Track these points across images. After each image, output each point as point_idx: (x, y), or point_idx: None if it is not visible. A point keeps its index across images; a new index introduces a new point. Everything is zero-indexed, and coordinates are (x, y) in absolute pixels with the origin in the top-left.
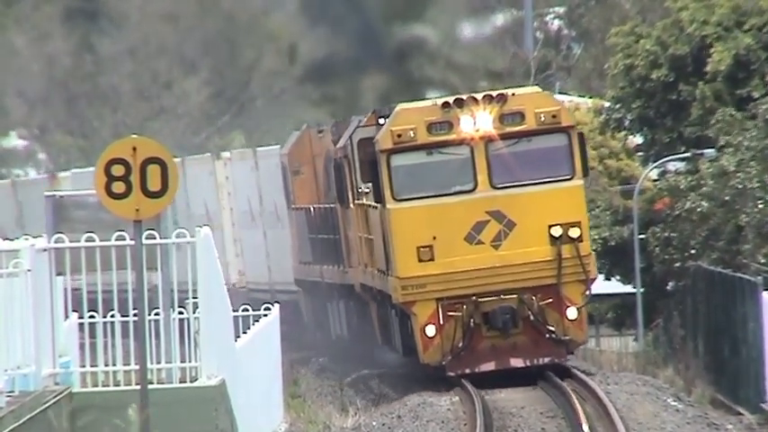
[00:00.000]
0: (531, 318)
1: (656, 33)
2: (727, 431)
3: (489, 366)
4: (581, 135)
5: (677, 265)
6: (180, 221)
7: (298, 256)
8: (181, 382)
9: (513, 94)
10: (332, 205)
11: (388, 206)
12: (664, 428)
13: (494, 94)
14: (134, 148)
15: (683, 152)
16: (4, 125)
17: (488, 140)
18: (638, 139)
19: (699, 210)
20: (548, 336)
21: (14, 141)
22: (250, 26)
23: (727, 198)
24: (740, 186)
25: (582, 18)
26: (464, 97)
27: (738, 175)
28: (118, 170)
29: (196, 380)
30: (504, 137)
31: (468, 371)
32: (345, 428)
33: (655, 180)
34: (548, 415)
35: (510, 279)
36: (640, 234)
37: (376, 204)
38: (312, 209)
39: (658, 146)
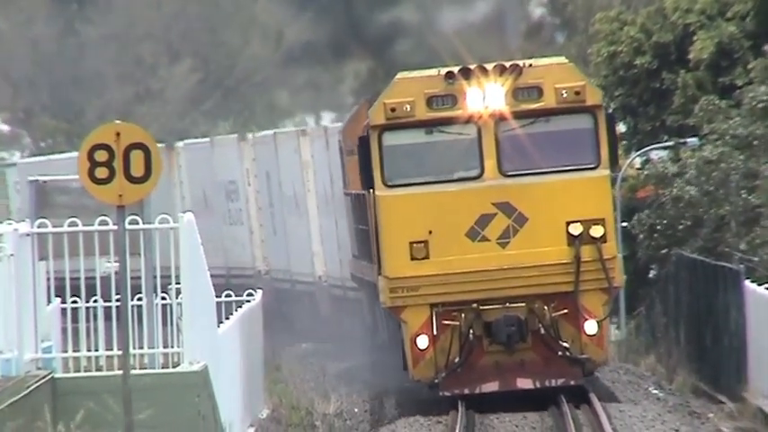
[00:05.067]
0: (542, 331)
1: (640, 20)
2: (709, 420)
3: (491, 387)
4: (610, 117)
5: (664, 251)
6: (274, 202)
7: (351, 249)
8: (163, 368)
9: (530, 65)
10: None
11: (377, 193)
12: (645, 416)
13: (507, 64)
14: (117, 134)
15: (666, 140)
16: None
17: (499, 119)
18: (620, 128)
19: (686, 197)
20: (561, 353)
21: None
22: (235, 12)
23: (711, 188)
24: (722, 176)
25: (565, 6)
26: (472, 67)
27: (722, 165)
28: (101, 156)
29: (178, 365)
30: (517, 115)
31: (466, 391)
32: (328, 414)
33: (638, 168)
34: (529, 402)
35: (518, 284)
36: (623, 222)
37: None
38: (353, 195)
39: (641, 134)
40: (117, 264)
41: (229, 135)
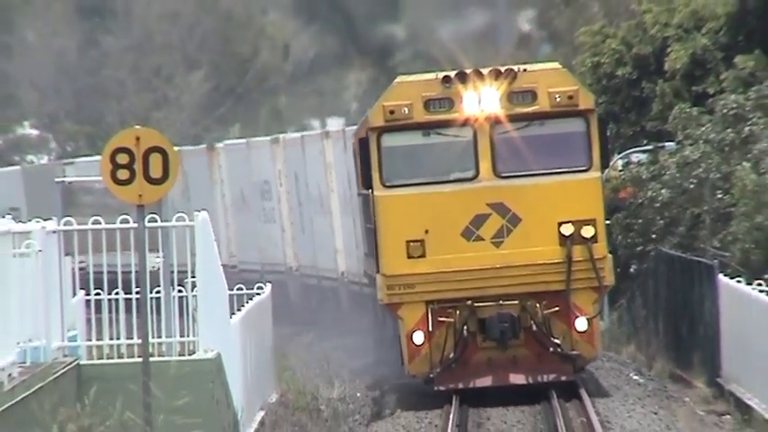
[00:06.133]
0: (534, 328)
1: (621, 34)
2: (685, 403)
3: (485, 382)
4: (602, 121)
5: (639, 249)
6: (302, 202)
7: (362, 247)
8: (180, 356)
9: (525, 70)
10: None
11: (375, 193)
12: (626, 400)
13: (502, 68)
14: (137, 138)
15: (645, 144)
16: (18, 114)
17: (494, 122)
18: None
19: (660, 198)
20: (552, 350)
21: (27, 130)
22: (246, 25)
23: (691, 186)
24: (703, 176)
25: (552, 21)
26: (468, 71)
27: (701, 165)
28: (122, 158)
29: (194, 353)
30: (512, 119)
31: (460, 386)
32: (332, 399)
33: (620, 170)
34: (522, 397)
35: (511, 282)
36: (606, 221)
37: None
38: (363, 196)
39: (623, 139)
40: (162, 258)
41: (263, 137)
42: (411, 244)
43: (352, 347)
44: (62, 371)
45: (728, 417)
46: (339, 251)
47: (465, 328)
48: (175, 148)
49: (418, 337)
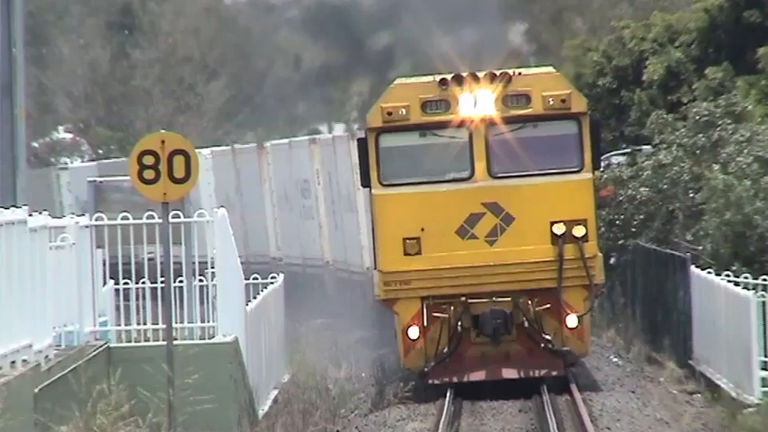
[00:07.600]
0: (526, 324)
1: (602, 47)
2: (660, 383)
3: (478, 376)
4: (595, 124)
5: (620, 242)
6: (335, 200)
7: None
8: (201, 340)
9: (520, 74)
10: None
11: (373, 191)
12: (606, 380)
13: (497, 72)
14: (162, 141)
15: (624, 148)
16: (53, 120)
17: (489, 124)
18: None
19: (639, 196)
20: (544, 345)
21: (62, 134)
22: (261, 39)
23: (664, 186)
24: (675, 177)
25: (540, 35)
26: (464, 74)
27: (674, 168)
28: (149, 160)
29: (213, 337)
30: (506, 121)
31: (454, 379)
32: (339, 379)
33: (601, 171)
34: (513, 391)
35: (504, 279)
36: None
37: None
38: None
39: (603, 143)
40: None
41: (302, 138)
42: (407, 241)
43: (368, 338)
44: (93, 353)
45: (699, 395)
46: (364, 247)
47: (459, 323)
48: (228, 147)
49: (413, 332)
